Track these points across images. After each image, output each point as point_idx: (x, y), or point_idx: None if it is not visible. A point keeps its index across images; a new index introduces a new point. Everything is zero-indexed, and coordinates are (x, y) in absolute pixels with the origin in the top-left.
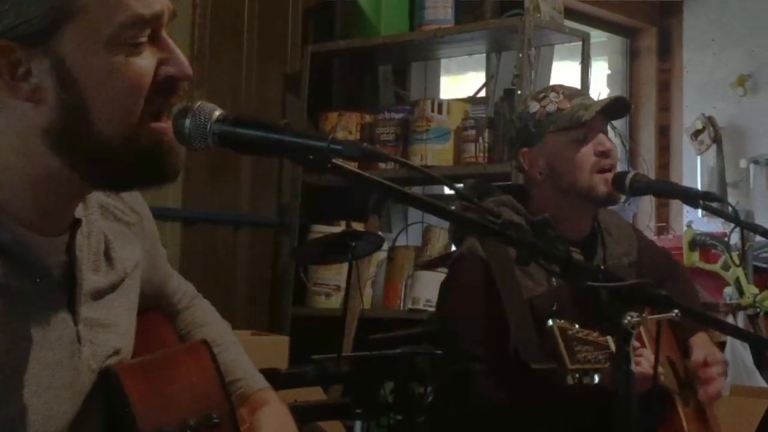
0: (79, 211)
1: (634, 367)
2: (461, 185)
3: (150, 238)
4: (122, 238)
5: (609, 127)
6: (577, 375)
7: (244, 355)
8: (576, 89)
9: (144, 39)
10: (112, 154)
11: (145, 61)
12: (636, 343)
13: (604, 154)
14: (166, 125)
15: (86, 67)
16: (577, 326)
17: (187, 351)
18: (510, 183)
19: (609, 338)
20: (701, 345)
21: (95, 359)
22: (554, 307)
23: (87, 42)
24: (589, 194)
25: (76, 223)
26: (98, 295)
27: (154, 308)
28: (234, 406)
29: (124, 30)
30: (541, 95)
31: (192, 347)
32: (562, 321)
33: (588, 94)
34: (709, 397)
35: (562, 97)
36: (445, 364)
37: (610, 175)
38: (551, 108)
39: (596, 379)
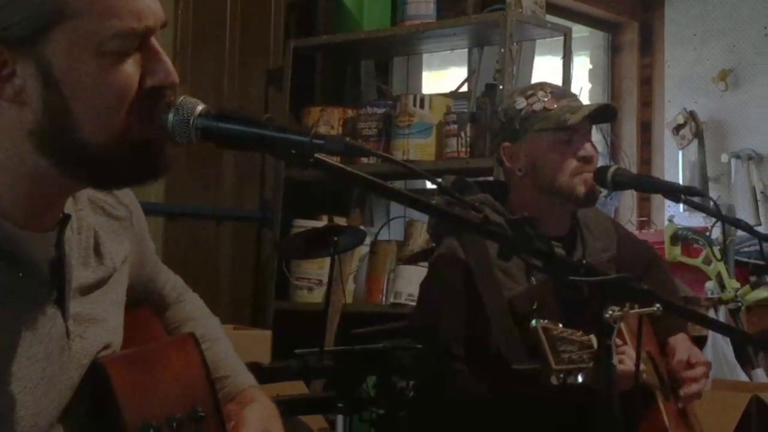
0: (69, 206)
1: (616, 363)
2: (441, 180)
3: (139, 232)
4: (112, 232)
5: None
6: (561, 375)
7: (233, 351)
8: (564, 90)
9: (131, 49)
10: (97, 156)
11: (131, 69)
12: (618, 341)
13: (586, 159)
14: (154, 126)
15: (71, 73)
16: (560, 326)
17: (174, 344)
18: (491, 179)
19: (592, 337)
20: (683, 345)
21: (85, 354)
22: (534, 306)
23: (74, 48)
24: (569, 195)
25: (66, 219)
26: (87, 290)
27: (143, 303)
28: (219, 399)
29: (112, 40)
30: (529, 92)
31: (179, 340)
32: (546, 321)
33: (576, 96)
34: (690, 396)
35: (550, 96)
36: (425, 363)
37: (589, 176)
38: (538, 107)
39: (580, 378)
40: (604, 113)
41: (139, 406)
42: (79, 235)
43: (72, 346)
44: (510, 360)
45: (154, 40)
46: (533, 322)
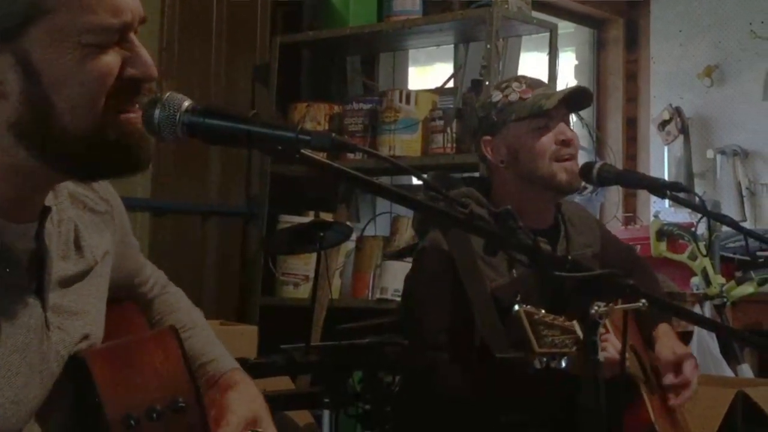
0: (50, 200)
1: (602, 358)
2: (427, 175)
3: (120, 227)
4: (92, 226)
5: (576, 118)
6: (544, 359)
7: (215, 338)
8: (538, 80)
9: (110, 43)
10: (79, 146)
11: (111, 60)
12: (602, 329)
13: (565, 143)
14: (134, 116)
15: (50, 65)
16: (543, 311)
17: (155, 337)
18: (475, 174)
19: (575, 323)
20: (667, 340)
21: (64, 345)
22: (518, 298)
23: (54, 42)
24: (549, 182)
25: (46, 211)
26: (67, 282)
27: (127, 298)
28: (200, 389)
29: (90, 34)
30: (504, 85)
31: (159, 333)
32: (528, 306)
33: (550, 85)
34: (681, 402)
35: (524, 86)
36: (410, 355)
37: (570, 164)
38: (513, 97)
39: (563, 363)
40: (579, 98)
41: (120, 399)
42: (59, 228)
43: (51, 337)
44: (494, 349)
45: (133, 36)
46: (516, 307)
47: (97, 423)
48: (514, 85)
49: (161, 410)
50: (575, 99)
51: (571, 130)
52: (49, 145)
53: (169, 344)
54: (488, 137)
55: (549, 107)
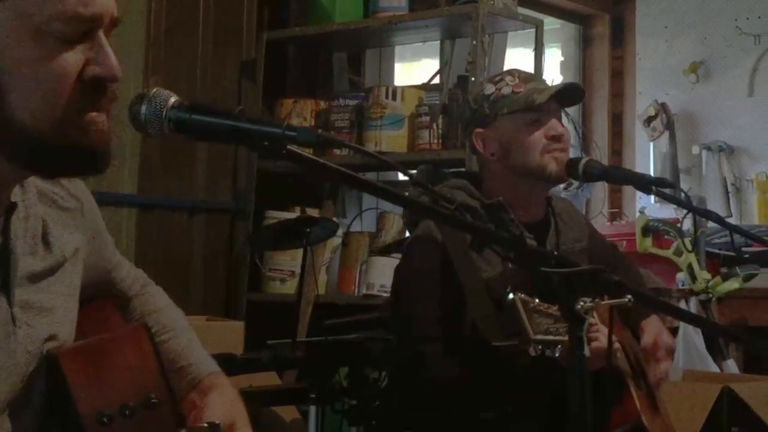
0: (17, 196)
1: (587, 350)
2: (415, 171)
3: (92, 224)
4: (61, 223)
5: (562, 113)
6: (539, 347)
7: (197, 340)
8: (531, 74)
9: (75, 36)
10: (37, 145)
11: (72, 56)
12: (592, 320)
13: (556, 138)
14: (98, 115)
15: (8, 52)
16: (537, 300)
17: (127, 335)
18: (464, 170)
19: None
20: (652, 328)
21: (32, 342)
22: (508, 289)
23: (14, 27)
24: (540, 173)
25: (12, 207)
26: (35, 278)
27: (105, 296)
28: (175, 387)
29: (55, 23)
30: (497, 78)
31: (132, 331)
32: (523, 294)
33: (543, 80)
34: (657, 377)
35: (517, 80)
36: (399, 347)
37: (560, 155)
38: (506, 90)
39: (557, 352)
40: (571, 93)
41: (92, 397)
42: (26, 223)
43: (17, 333)
44: (489, 338)
45: (101, 34)
46: (510, 295)
47: (69, 421)
48: (507, 78)
49: (134, 407)
50: (567, 94)
51: (562, 126)
52: (8, 141)
53: (141, 342)
54: (480, 130)
55: (541, 101)
